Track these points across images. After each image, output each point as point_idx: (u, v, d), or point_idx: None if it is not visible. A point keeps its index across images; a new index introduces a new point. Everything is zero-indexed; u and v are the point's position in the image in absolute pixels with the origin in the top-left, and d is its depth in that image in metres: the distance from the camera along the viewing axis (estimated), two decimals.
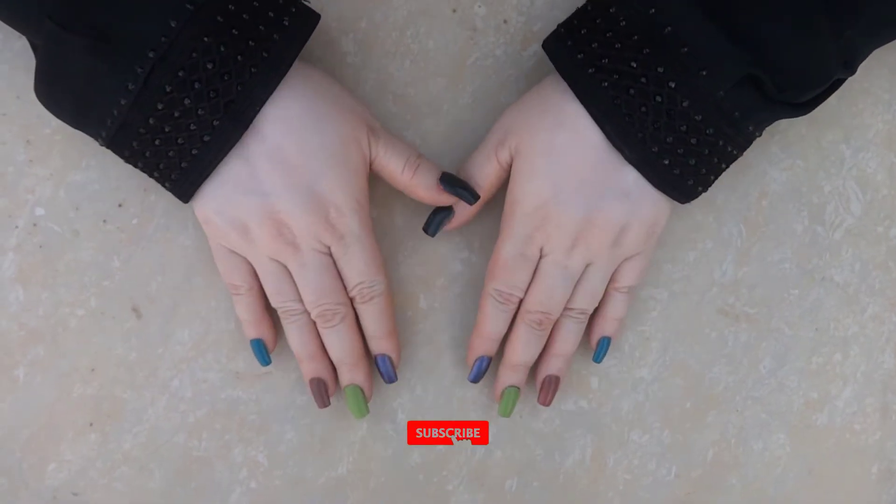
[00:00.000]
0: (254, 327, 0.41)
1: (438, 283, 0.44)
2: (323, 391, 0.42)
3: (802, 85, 0.36)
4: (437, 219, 0.42)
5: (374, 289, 0.40)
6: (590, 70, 0.36)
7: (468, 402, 0.45)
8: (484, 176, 0.41)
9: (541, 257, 0.40)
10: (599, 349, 0.43)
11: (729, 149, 0.38)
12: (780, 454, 0.46)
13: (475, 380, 0.43)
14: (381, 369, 0.42)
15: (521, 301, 0.41)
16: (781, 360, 0.46)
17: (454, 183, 0.40)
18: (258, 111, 0.36)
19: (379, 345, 0.42)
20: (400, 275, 0.44)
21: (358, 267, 0.39)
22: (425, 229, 0.42)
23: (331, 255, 0.39)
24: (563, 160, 0.38)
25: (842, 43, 0.35)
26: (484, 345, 0.42)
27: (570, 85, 0.37)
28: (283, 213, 0.37)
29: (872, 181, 0.45)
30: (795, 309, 0.45)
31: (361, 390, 0.42)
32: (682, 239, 0.45)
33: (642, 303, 0.45)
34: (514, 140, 0.40)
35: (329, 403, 0.42)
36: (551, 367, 0.43)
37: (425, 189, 0.40)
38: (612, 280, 0.41)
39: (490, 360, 0.42)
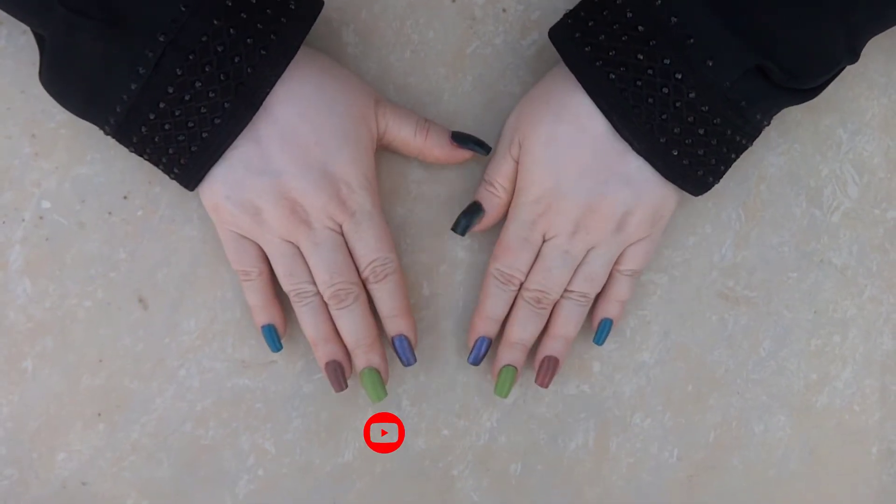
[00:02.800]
0: (265, 313, 0.42)
1: (441, 270, 0.45)
2: (340, 374, 0.41)
3: (811, 72, 0.37)
4: (465, 220, 0.42)
5: (388, 266, 0.40)
6: (597, 63, 0.37)
7: (472, 389, 0.45)
8: (503, 175, 0.42)
9: (544, 242, 0.41)
10: (600, 331, 0.43)
11: (738, 138, 0.38)
12: (780, 436, 0.47)
13: (475, 362, 0.43)
14: (399, 351, 0.41)
15: (521, 284, 0.42)
16: (781, 342, 0.46)
17: (466, 138, 0.41)
18: (268, 93, 0.36)
19: (396, 324, 0.41)
20: (403, 263, 0.45)
21: (370, 243, 0.40)
22: (454, 229, 0.42)
23: (342, 233, 0.40)
24: (565, 150, 0.39)
25: (847, 28, 0.35)
26: (484, 325, 0.42)
27: (577, 78, 0.38)
28: (295, 191, 0.38)
29: (869, 164, 0.46)
30: (794, 292, 0.46)
31: (378, 373, 0.41)
32: (682, 224, 0.45)
33: (643, 287, 0.45)
34: (520, 134, 0.41)
35: (346, 387, 0.41)
36: (550, 348, 0.43)
37: (440, 148, 0.41)
38: (616, 262, 0.42)
39: (490, 341, 0.43)
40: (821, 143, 0.45)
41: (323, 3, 0.38)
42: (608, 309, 0.43)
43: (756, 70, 0.36)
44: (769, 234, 0.46)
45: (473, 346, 0.43)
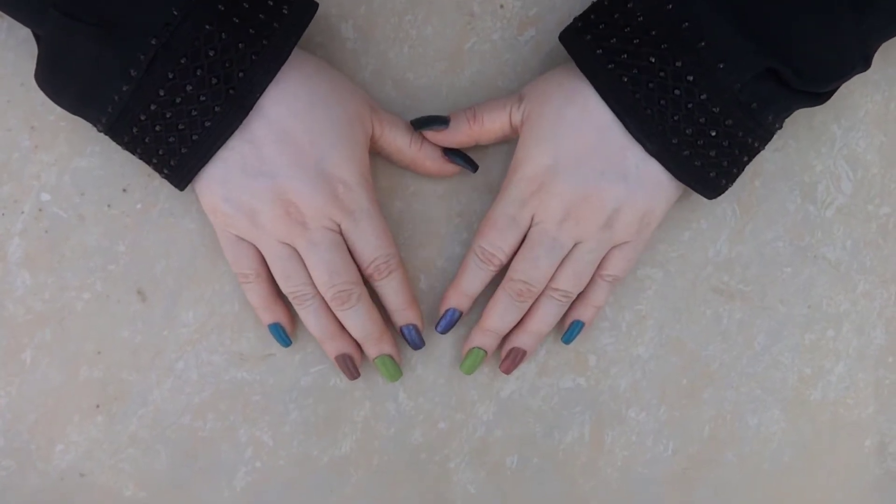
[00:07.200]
0: (268, 313, 0.42)
1: (438, 265, 0.45)
2: (351, 365, 0.43)
3: (825, 77, 0.37)
4: (426, 121, 0.42)
5: (391, 262, 0.41)
6: (609, 66, 0.37)
7: (467, 382, 0.46)
8: (490, 114, 0.41)
9: (532, 226, 0.41)
10: (570, 331, 0.44)
11: (750, 140, 0.38)
12: (775, 429, 0.47)
13: (443, 331, 0.43)
14: (408, 339, 0.43)
15: (501, 266, 0.42)
16: (775, 336, 0.47)
17: (456, 154, 0.43)
18: (258, 97, 0.36)
19: (404, 316, 0.42)
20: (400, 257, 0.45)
21: (370, 241, 0.40)
22: (412, 121, 0.42)
23: (340, 233, 0.40)
24: (568, 133, 0.39)
25: (860, 36, 0.36)
26: (457, 298, 0.43)
27: (589, 80, 0.38)
28: (291, 192, 0.38)
29: (863, 160, 0.46)
30: (788, 286, 0.46)
31: (391, 357, 0.43)
32: (677, 219, 0.46)
33: (638, 282, 0.46)
34: (528, 105, 0.41)
35: (359, 375, 0.43)
36: (521, 341, 0.43)
37: (433, 160, 0.42)
38: (599, 266, 0.42)
39: (461, 314, 0.43)
40: (815, 139, 0.46)
41: (317, 7, 0.38)
42: (583, 312, 0.43)
43: (768, 73, 0.37)
44: (764, 229, 0.46)
45: (443, 316, 0.43)
